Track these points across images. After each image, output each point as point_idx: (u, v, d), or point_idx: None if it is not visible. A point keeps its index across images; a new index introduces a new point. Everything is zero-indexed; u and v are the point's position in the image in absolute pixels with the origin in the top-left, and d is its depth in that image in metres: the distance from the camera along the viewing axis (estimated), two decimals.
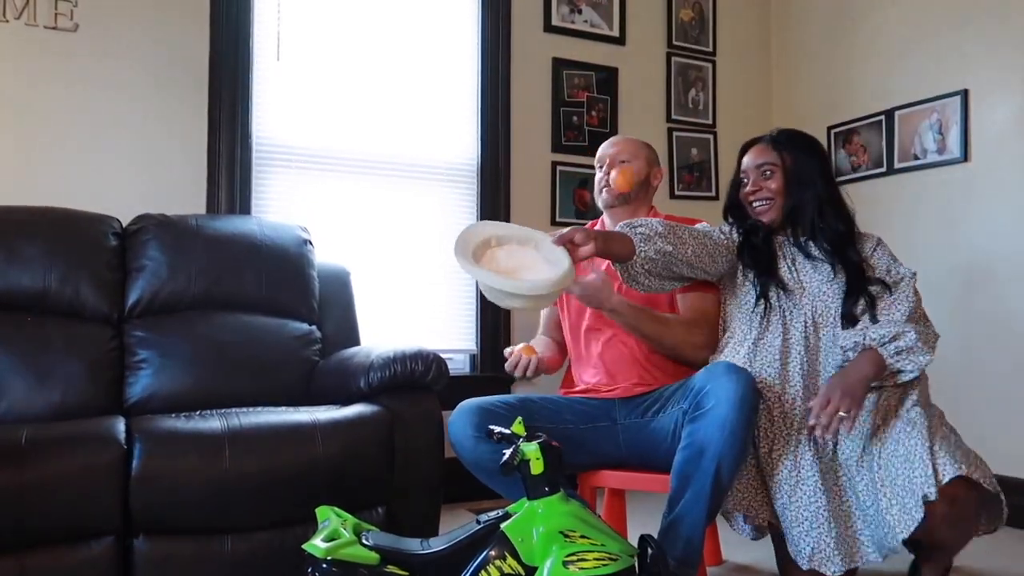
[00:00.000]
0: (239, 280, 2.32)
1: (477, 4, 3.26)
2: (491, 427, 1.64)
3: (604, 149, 2.21)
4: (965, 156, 2.96)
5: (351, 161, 3.01)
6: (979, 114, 2.93)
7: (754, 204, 1.99)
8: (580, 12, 3.43)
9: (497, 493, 1.92)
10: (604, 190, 2.17)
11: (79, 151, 2.60)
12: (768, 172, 1.96)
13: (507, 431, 1.57)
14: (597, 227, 2.26)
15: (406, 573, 1.46)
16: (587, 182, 3.36)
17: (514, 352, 2.01)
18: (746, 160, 2.02)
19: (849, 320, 1.84)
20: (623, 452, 1.98)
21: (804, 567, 1.71)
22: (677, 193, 3.61)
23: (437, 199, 3.16)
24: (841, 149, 3.47)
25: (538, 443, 1.49)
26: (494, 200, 3.22)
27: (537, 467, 1.47)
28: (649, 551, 1.50)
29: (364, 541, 1.48)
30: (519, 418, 1.60)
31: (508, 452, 1.48)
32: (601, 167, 2.19)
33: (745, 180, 2.01)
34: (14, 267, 2.10)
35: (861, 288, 1.86)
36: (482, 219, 3.19)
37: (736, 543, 2.34)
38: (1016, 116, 2.82)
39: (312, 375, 2.28)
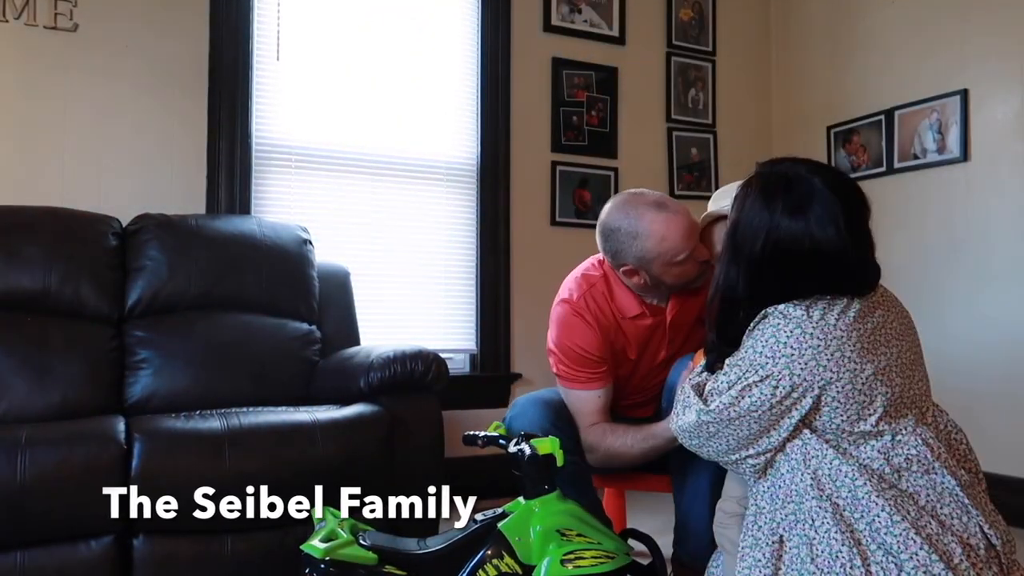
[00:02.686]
0: (239, 280, 2.32)
1: (477, 4, 3.25)
2: (473, 432, 1.64)
3: (689, 237, 1.72)
4: (965, 156, 2.96)
5: (351, 161, 3.01)
6: (979, 114, 2.93)
7: None
8: (580, 12, 3.43)
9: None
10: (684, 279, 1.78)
11: (79, 151, 2.60)
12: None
13: (493, 435, 1.59)
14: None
15: (404, 573, 1.47)
16: (587, 182, 3.36)
17: None
18: None
19: None
20: None
21: None
22: (677, 193, 3.60)
23: (437, 199, 3.16)
24: (841, 149, 3.47)
25: (550, 437, 1.50)
26: (494, 200, 3.22)
27: (560, 459, 1.49)
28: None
29: (362, 541, 1.48)
30: (496, 423, 1.64)
31: (518, 447, 1.49)
32: (682, 259, 1.72)
33: None
34: (14, 267, 2.10)
35: None
36: (481, 219, 3.19)
37: None
38: (1016, 116, 2.82)
39: (312, 375, 2.28)
